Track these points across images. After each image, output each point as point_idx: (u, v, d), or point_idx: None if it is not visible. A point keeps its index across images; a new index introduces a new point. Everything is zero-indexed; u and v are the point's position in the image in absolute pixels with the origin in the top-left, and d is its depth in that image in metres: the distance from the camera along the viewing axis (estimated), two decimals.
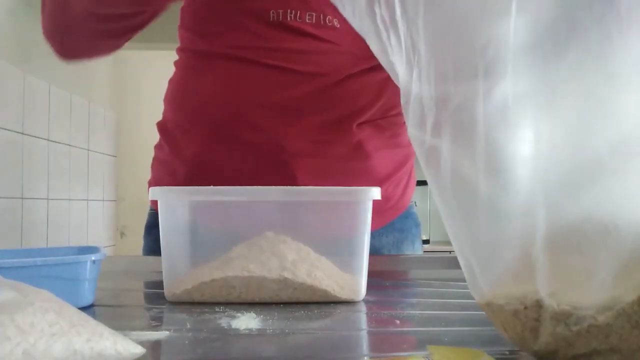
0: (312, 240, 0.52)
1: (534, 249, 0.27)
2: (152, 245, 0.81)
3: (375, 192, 0.52)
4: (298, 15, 0.67)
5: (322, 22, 0.68)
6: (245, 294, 0.51)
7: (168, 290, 0.52)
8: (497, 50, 0.26)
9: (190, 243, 0.52)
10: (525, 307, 0.28)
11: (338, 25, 0.69)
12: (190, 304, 0.51)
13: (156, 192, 0.51)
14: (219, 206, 0.52)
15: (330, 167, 0.70)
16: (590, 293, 0.25)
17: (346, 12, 0.32)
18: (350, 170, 0.72)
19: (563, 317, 0.26)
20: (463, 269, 0.31)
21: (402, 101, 0.31)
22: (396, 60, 0.31)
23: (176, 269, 0.52)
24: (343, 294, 0.51)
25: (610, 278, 0.25)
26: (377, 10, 0.30)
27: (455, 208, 0.30)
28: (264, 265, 0.50)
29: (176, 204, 0.52)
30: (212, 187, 0.53)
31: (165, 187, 0.54)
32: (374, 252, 0.77)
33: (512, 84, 0.26)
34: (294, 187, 0.54)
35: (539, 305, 0.27)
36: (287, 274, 0.50)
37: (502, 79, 0.26)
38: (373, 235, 0.79)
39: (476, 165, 0.28)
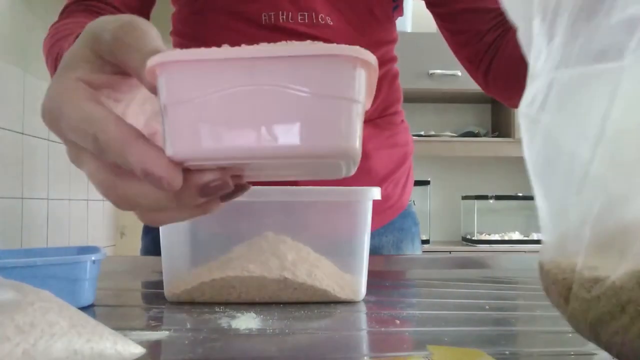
0: (312, 240, 0.52)
1: (586, 226, 0.28)
2: (150, 247, 0.81)
3: (375, 192, 0.52)
4: (290, 16, 0.67)
5: (314, 21, 0.68)
6: (245, 294, 0.51)
7: (168, 291, 0.52)
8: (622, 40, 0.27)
9: (190, 243, 0.52)
10: (564, 278, 0.30)
11: (332, 23, 0.68)
12: (190, 304, 0.51)
13: None
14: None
15: None
16: (620, 268, 0.27)
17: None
18: None
19: (590, 283, 0.28)
20: (541, 229, 0.33)
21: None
22: (535, 47, 0.32)
23: (176, 269, 0.52)
24: (343, 294, 0.51)
25: None
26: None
27: (542, 173, 0.31)
28: (264, 265, 0.50)
29: None
30: None
31: None
32: (374, 251, 0.78)
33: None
34: (294, 187, 0.54)
35: (574, 275, 0.29)
36: (287, 274, 0.50)
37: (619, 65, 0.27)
38: (373, 235, 0.79)
39: (570, 136, 0.29)
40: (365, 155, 0.73)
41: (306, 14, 0.67)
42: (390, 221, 0.81)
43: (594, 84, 0.29)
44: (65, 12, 0.70)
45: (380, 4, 0.70)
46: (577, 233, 0.29)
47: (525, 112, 0.32)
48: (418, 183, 2.50)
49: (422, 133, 2.47)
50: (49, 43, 0.65)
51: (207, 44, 0.83)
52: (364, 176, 0.74)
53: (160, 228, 0.52)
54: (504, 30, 0.70)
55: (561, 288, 0.30)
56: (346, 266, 0.53)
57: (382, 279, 0.65)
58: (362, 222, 0.52)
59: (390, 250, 0.81)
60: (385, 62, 0.75)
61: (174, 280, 0.52)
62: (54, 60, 0.61)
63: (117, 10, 0.69)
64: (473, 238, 2.49)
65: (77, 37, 0.49)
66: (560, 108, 0.30)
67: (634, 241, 0.27)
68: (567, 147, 0.30)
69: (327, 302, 0.51)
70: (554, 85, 0.30)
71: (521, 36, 0.33)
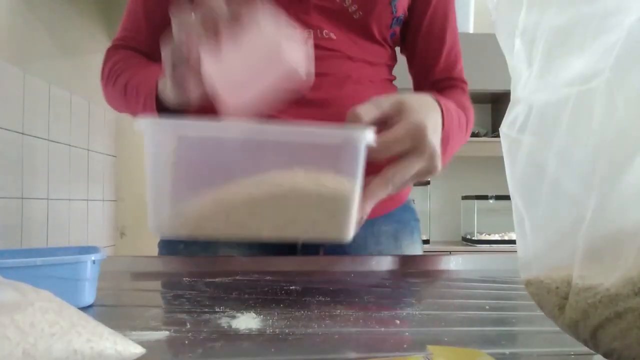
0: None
1: (578, 238, 0.29)
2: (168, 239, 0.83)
3: (369, 134, 0.50)
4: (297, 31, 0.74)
5: (319, 35, 0.76)
6: (235, 219, 0.49)
7: (152, 221, 0.50)
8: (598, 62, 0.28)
9: (175, 182, 0.50)
10: (557, 287, 0.31)
11: (334, 37, 0.77)
12: (190, 303, 0.51)
13: (142, 124, 0.49)
14: (210, 143, 0.50)
15: None
16: (613, 275, 0.28)
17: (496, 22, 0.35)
18: None
19: (585, 292, 0.29)
20: (518, 246, 0.34)
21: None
22: (516, 68, 0.34)
23: (162, 201, 0.50)
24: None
25: (636, 271, 0.27)
26: (517, 20, 0.33)
27: (525, 191, 0.33)
28: (260, 183, 0.48)
29: (164, 137, 0.49)
30: (202, 122, 0.49)
31: (152, 119, 0.51)
32: (372, 239, 0.83)
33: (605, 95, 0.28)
34: (291, 127, 0.50)
35: (569, 285, 0.30)
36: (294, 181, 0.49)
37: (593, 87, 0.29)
38: (373, 223, 0.83)
39: (550, 155, 0.31)
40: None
41: (312, 30, 0.76)
42: (390, 212, 0.85)
43: (569, 106, 0.30)
44: (112, 51, 0.83)
45: (378, 28, 0.79)
46: (564, 245, 0.30)
47: (506, 133, 0.34)
48: (418, 183, 2.50)
49: None
50: (124, 77, 0.77)
51: None
52: (368, 164, 0.78)
53: (147, 161, 0.51)
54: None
55: (555, 297, 0.31)
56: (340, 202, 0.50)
57: (382, 279, 0.65)
58: (356, 160, 0.50)
59: (388, 239, 0.84)
60: (382, 80, 0.83)
61: (160, 211, 0.50)
62: (135, 85, 0.73)
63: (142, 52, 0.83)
64: (473, 238, 2.49)
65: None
66: (539, 129, 0.31)
67: (624, 248, 0.27)
68: (546, 165, 0.31)
69: (326, 302, 0.51)
70: (533, 108, 0.32)
71: (503, 47, 0.35)
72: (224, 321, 0.44)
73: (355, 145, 0.50)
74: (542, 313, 0.33)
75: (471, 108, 0.81)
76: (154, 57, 0.84)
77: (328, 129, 0.49)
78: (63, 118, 1.85)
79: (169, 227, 0.50)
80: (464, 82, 0.87)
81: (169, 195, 0.50)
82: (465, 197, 2.62)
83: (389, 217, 0.84)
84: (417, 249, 0.87)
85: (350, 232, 0.51)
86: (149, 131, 0.50)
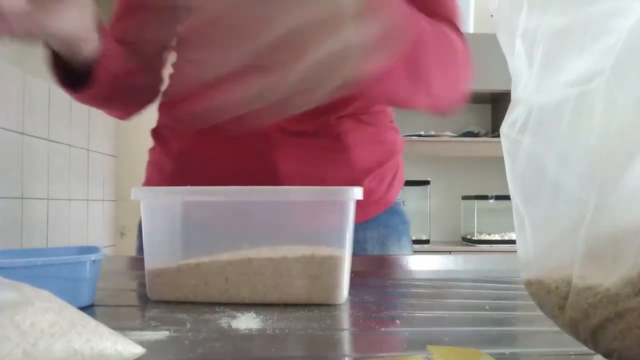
0: (293, 239, 0.51)
1: (578, 238, 0.29)
2: None
3: (358, 192, 0.51)
4: None
5: None
6: (225, 288, 0.51)
7: (148, 289, 0.52)
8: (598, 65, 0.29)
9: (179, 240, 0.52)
10: (557, 287, 0.31)
11: None
12: (190, 303, 0.51)
13: (138, 193, 0.52)
14: (201, 206, 0.52)
15: (311, 157, 0.72)
16: (613, 275, 0.28)
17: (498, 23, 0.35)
18: (331, 160, 0.74)
19: (584, 292, 0.29)
20: (518, 246, 0.34)
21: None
22: (516, 69, 0.34)
23: (148, 268, 0.53)
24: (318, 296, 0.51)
25: (636, 271, 0.27)
26: (516, 20, 0.33)
27: (525, 191, 0.33)
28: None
29: (160, 203, 0.52)
30: (191, 187, 0.52)
31: (147, 187, 0.55)
32: (357, 245, 0.80)
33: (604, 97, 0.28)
34: (275, 187, 0.52)
35: (569, 285, 0.30)
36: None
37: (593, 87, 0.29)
38: (356, 229, 0.80)
39: (550, 155, 0.31)
40: (344, 147, 0.75)
41: None
42: (375, 216, 0.81)
43: (569, 106, 0.30)
44: None
45: None
46: (564, 245, 0.30)
47: (506, 134, 0.34)
48: (418, 183, 2.50)
49: (422, 133, 2.47)
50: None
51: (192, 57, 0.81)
52: (344, 167, 0.75)
53: (144, 227, 0.53)
54: None
55: (556, 297, 0.31)
56: (326, 265, 0.51)
57: (381, 279, 0.65)
58: (344, 221, 0.51)
59: (374, 246, 0.81)
60: None
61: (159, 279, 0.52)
62: None
63: None
64: (473, 238, 2.50)
65: None
66: (540, 129, 0.31)
67: (624, 248, 0.27)
68: (547, 166, 0.31)
69: (326, 304, 0.51)
70: (534, 109, 0.32)
71: (504, 48, 0.35)
72: (224, 321, 0.44)
73: (341, 203, 0.51)
74: (542, 313, 0.33)
75: (455, 40, 0.67)
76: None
77: (313, 189, 0.50)
78: (63, 118, 1.85)
79: (157, 293, 0.53)
80: (451, 22, 0.69)
81: (152, 263, 0.54)
82: (465, 197, 2.62)
83: (374, 221, 0.81)
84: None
85: (341, 293, 0.51)
86: (145, 198, 0.53)
